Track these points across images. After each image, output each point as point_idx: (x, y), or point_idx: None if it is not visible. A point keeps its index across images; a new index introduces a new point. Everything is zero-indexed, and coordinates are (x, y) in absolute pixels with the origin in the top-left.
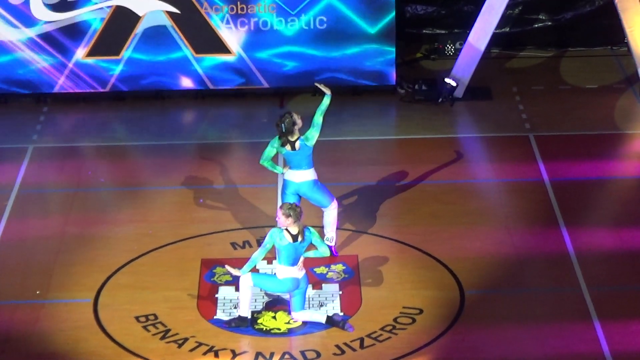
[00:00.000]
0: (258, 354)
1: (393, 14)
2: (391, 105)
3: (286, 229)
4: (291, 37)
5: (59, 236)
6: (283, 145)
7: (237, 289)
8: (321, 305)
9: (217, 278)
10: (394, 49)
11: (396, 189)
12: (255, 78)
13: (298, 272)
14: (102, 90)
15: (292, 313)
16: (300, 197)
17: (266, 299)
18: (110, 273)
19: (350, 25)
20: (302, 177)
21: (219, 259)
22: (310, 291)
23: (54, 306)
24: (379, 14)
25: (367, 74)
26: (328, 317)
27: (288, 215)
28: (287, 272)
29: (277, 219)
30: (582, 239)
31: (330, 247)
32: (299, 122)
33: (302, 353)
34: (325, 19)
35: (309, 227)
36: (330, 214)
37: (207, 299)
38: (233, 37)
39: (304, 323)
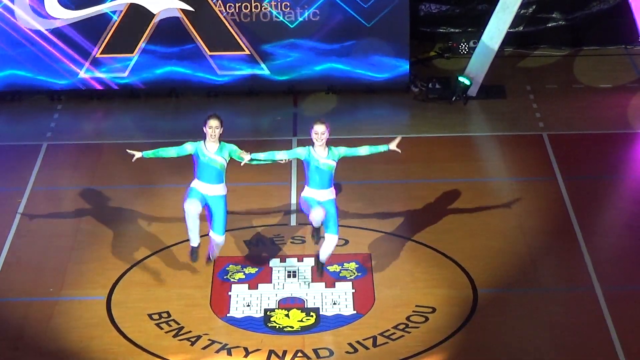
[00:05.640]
0: (271, 352)
1: None
2: (405, 103)
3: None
4: (294, 29)
5: (73, 233)
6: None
7: (250, 287)
8: (334, 304)
9: (230, 276)
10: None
11: (409, 187)
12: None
13: (325, 194)
14: (115, 88)
15: (326, 233)
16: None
17: (279, 297)
18: (124, 270)
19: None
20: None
21: (232, 257)
22: (324, 289)
23: (67, 303)
24: None
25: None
26: (321, 263)
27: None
28: (309, 193)
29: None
30: (596, 238)
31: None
32: None
33: (315, 351)
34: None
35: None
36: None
37: (220, 297)
38: (245, 33)
39: (317, 320)
